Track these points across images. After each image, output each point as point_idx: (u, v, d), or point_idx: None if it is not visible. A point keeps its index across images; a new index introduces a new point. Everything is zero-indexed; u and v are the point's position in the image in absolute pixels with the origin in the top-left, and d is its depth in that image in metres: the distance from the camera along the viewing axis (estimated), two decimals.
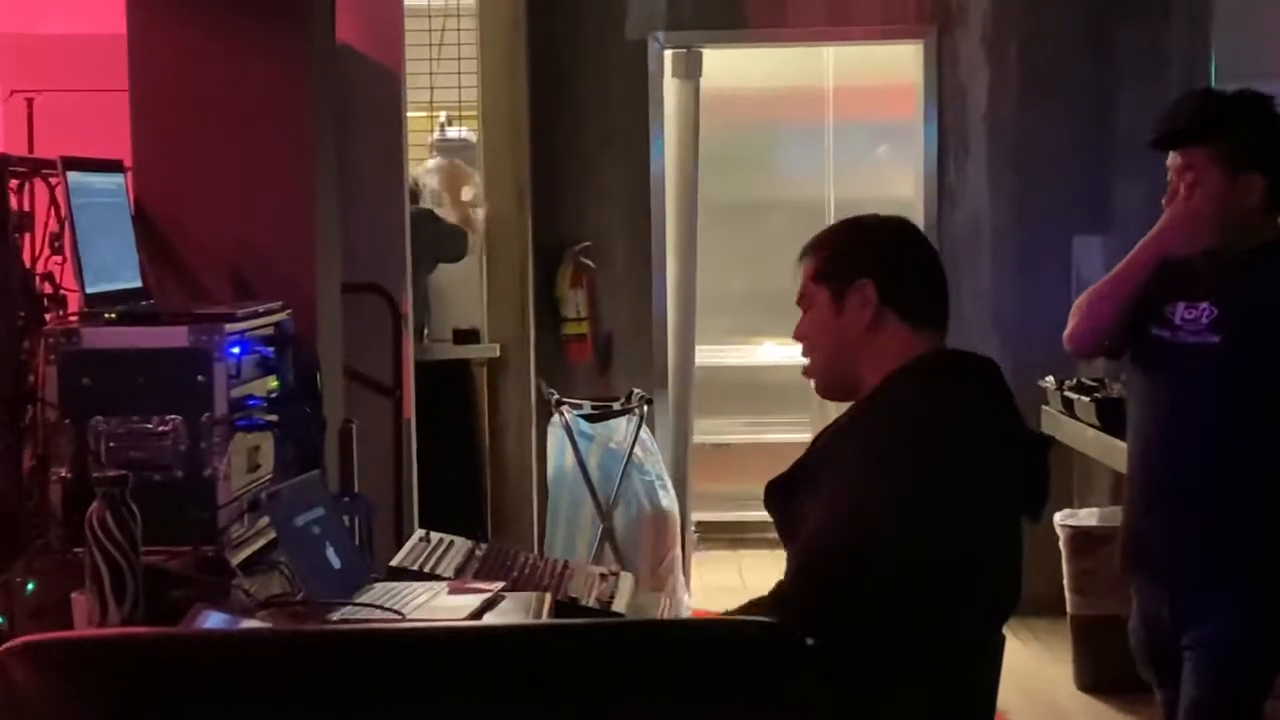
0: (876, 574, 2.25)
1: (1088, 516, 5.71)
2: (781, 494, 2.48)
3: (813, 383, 2.59)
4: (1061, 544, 5.67)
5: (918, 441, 2.33)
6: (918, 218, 6.69)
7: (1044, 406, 5.91)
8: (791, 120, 8.52)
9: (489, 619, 2.68)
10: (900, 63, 7.06)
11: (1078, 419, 5.48)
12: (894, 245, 2.56)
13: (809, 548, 2.31)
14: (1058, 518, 5.69)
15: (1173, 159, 3.40)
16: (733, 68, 7.78)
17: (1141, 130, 6.47)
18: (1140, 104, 6.53)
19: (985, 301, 6.66)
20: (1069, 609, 5.66)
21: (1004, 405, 2.47)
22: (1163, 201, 3.48)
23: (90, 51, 4.06)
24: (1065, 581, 5.66)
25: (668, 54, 6.77)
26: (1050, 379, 5.89)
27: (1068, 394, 5.63)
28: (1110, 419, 4.98)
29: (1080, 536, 5.62)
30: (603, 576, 3.11)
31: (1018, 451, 2.44)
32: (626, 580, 3.12)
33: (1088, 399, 5.42)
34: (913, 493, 2.28)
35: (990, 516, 2.38)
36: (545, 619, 2.64)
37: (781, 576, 2.38)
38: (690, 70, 6.81)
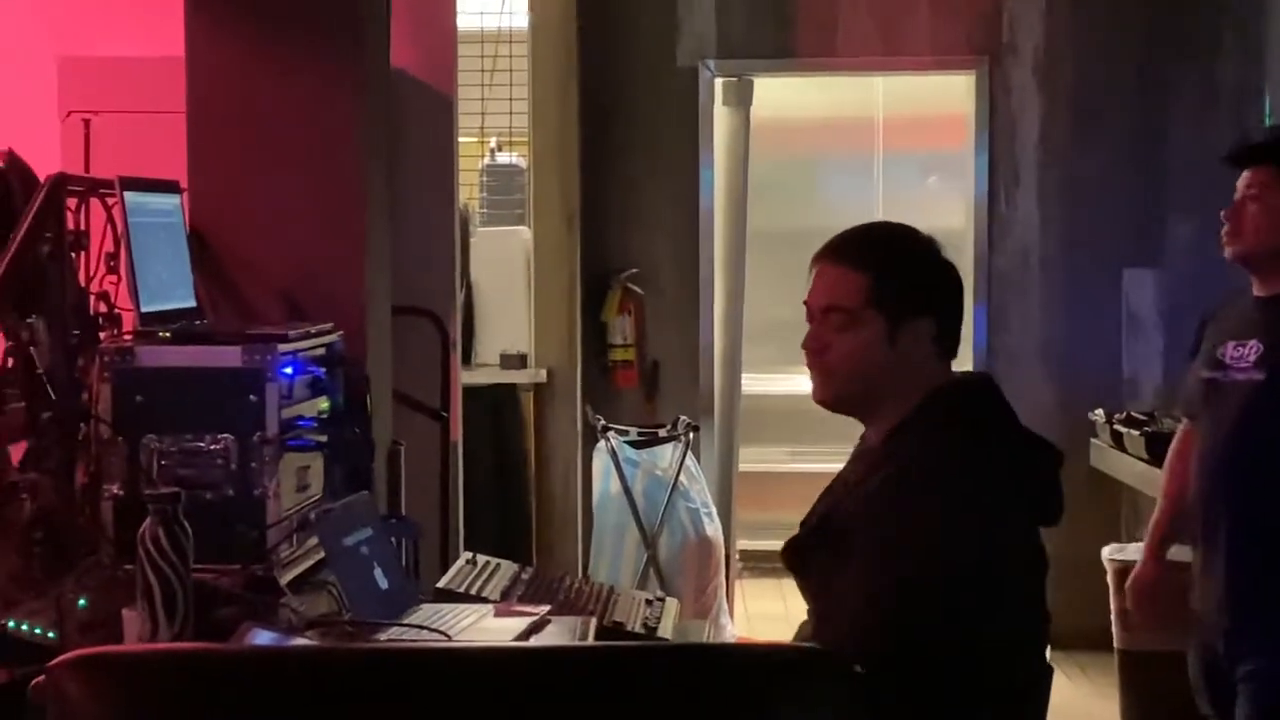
0: (940, 639, 2.20)
1: (1136, 551, 5.66)
2: (800, 554, 2.42)
3: (813, 386, 2.45)
4: (1109, 578, 5.63)
5: (964, 509, 2.25)
6: (967, 248, 6.69)
7: (1093, 439, 5.89)
8: (841, 150, 8.52)
9: (535, 642, 2.69)
10: (950, 93, 7.06)
11: (1127, 452, 5.45)
12: (954, 284, 2.43)
13: (861, 626, 2.19)
14: (1106, 552, 5.65)
15: (1242, 177, 3.44)
16: (782, 97, 7.80)
17: (1193, 164, 6.51)
18: (1191, 138, 6.52)
19: (1034, 333, 6.63)
20: (1116, 644, 5.61)
21: (1015, 426, 2.42)
22: (1222, 214, 3.50)
23: (147, 73, 4.10)
24: (1112, 616, 5.62)
25: (718, 82, 6.79)
26: (1099, 412, 5.87)
27: (1117, 427, 5.60)
28: (1160, 453, 4.94)
29: (1128, 572, 5.56)
30: (648, 602, 3.12)
31: (1035, 470, 2.40)
32: (671, 606, 3.13)
33: (1137, 433, 5.39)
34: (968, 567, 2.22)
35: (1031, 556, 2.37)
36: (591, 642, 2.64)
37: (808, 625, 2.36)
38: (741, 98, 6.83)
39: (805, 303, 2.43)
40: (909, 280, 2.37)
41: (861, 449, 2.49)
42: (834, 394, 2.41)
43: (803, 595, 2.44)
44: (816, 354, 2.40)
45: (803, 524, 2.47)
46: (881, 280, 2.35)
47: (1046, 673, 2.40)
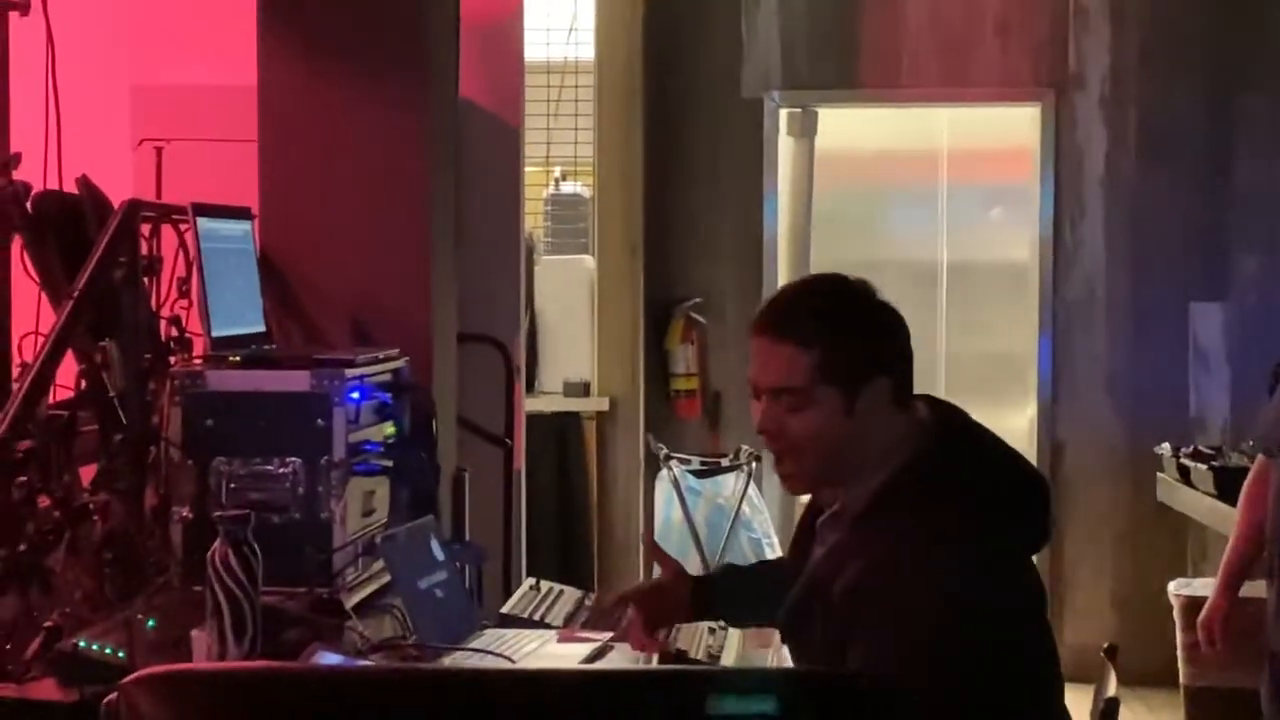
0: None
1: (1202, 587, 5.61)
2: (793, 620, 2.38)
3: (782, 481, 2.39)
4: (1175, 614, 5.58)
5: (975, 573, 2.20)
6: (1033, 281, 6.66)
7: (1159, 474, 5.85)
8: (905, 182, 8.50)
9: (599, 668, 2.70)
10: (1016, 125, 7.04)
11: (1194, 487, 5.40)
12: (899, 331, 2.36)
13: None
14: (1172, 587, 5.60)
15: None
16: (846, 128, 7.79)
17: (1260, 196, 6.46)
18: (1259, 170, 6.47)
19: (1100, 366, 6.59)
20: (1182, 680, 5.56)
21: (998, 463, 2.35)
22: None
23: (219, 102, 4.16)
24: (1179, 652, 5.57)
25: (783, 113, 6.80)
26: (1166, 446, 5.82)
27: (1184, 461, 5.55)
28: (1228, 488, 4.90)
29: (1194, 606, 5.51)
30: (710, 631, 3.12)
31: (1031, 509, 2.34)
32: (734, 635, 3.13)
33: (1205, 467, 5.34)
34: (988, 627, 2.18)
35: (1035, 592, 2.34)
36: (656, 666, 2.65)
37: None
38: (805, 129, 6.84)
39: (750, 379, 2.37)
40: (857, 346, 2.31)
41: (836, 514, 2.40)
42: (809, 476, 2.36)
43: (796, 657, 2.41)
44: (775, 437, 2.33)
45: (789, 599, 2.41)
46: (829, 353, 2.28)
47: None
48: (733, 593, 2.69)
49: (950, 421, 2.37)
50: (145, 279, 3.17)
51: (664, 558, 2.74)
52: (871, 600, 2.19)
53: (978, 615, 2.17)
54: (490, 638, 2.93)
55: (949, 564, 2.19)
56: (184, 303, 3.25)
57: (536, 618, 3.15)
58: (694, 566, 6.15)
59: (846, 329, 2.31)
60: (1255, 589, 3.85)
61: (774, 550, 6.31)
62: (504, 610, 3.21)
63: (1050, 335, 6.63)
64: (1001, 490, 2.31)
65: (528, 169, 5.14)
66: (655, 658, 2.74)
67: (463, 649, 2.83)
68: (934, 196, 8.48)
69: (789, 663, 2.42)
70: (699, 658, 2.93)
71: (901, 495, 2.27)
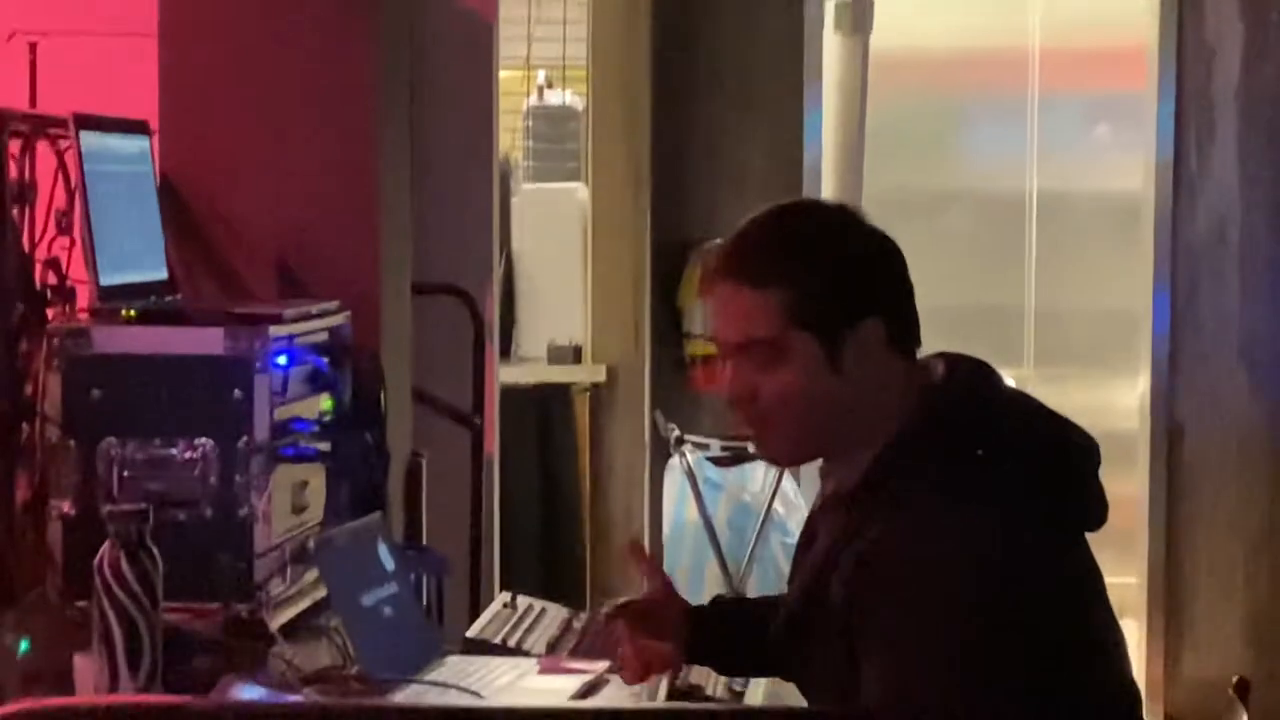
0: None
1: None
2: (786, 649, 2.44)
3: (759, 449, 2.44)
4: None
5: (1003, 536, 2.24)
6: (1146, 219, 6.65)
7: None
8: (984, 90, 8.48)
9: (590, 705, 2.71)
10: (1127, 17, 7.02)
11: None
12: (893, 261, 2.38)
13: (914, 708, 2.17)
14: None
15: None
16: (911, 22, 7.78)
17: None
18: None
19: (1231, 326, 6.58)
20: None
21: (1030, 422, 2.39)
22: None
23: None
24: None
25: (829, 3, 6.78)
26: None
27: None
28: None
29: None
30: None
31: (1068, 473, 2.37)
32: None
33: None
34: (1019, 607, 2.22)
35: (1086, 569, 2.37)
36: (664, 705, 2.66)
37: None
38: (857, 24, 6.82)
39: (713, 337, 2.40)
40: (837, 281, 2.33)
41: (829, 499, 2.45)
42: (786, 448, 2.40)
43: (798, 682, 2.45)
44: (744, 402, 2.36)
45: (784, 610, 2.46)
46: (800, 292, 2.31)
47: (1136, 699, 2.40)
48: (737, 631, 2.69)
49: (973, 375, 2.39)
50: (16, 210, 3.16)
51: (650, 567, 2.76)
52: (877, 581, 2.21)
53: (1011, 581, 2.20)
54: (454, 668, 2.94)
55: (970, 525, 2.22)
56: (64, 241, 3.24)
57: (512, 643, 3.16)
58: (713, 579, 6.17)
59: (821, 261, 2.34)
60: None
61: None
62: (471, 633, 3.21)
63: (1168, 289, 6.62)
64: (1037, 451, 2.33)
65: (503, 73, 5.14)
66: (661, 691, 2.76)
67: (419, 682, 2.83)
68: (1021, 109, 8.46)
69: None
70: (717, 695, 2.94)
71: (909, 460, 2.30)
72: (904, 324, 2.38)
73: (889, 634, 2.19)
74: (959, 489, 2.26)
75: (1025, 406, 2.40)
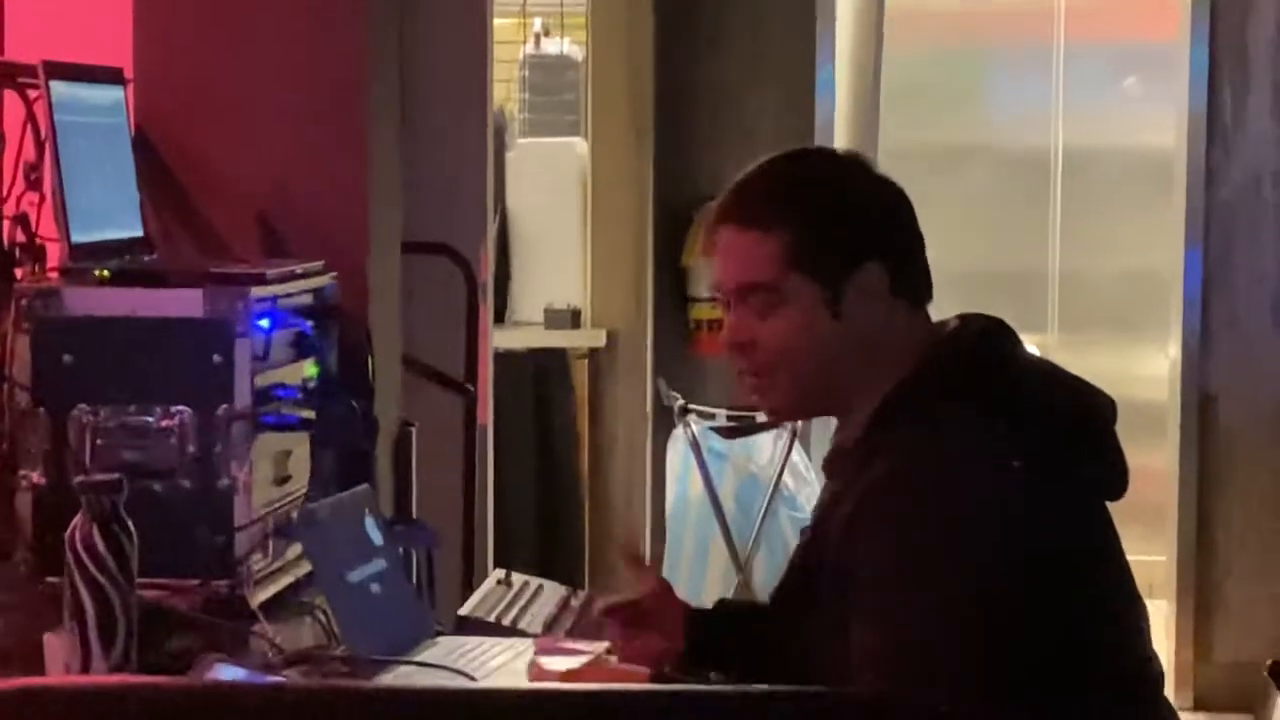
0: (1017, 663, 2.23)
1: None
2: (791, 601, 2.47)
3: (759, 401, 2.49)
4: None
5: (994, 495, 2.27)
6: (1178, 175, 6.64)
7: None
8: (1006, 40, 8.47)
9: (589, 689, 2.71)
10: None
11: None
12: (897, 205, 2.46)
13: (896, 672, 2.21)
14: None
15: None
16: None
17: None
18: None
19: (1266, 288, 6.57)
20: None
21: (1046, 379, 2.44)
22: None
23: None
24: None
25: None
26: None
27: None
28: None
29: None
30: None
31: (1084, 433, 2.40)
32: None
33: None
34: (1017, 566, 2.25)
35: (1104, 539, 2.40)
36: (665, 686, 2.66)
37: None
38: None
39: (715, 286, 2.48)
40: (834, 222, 2.41)
41: (833, 454, 2.50)
42: (786, 399, 2.46)
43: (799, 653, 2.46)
44: (744, 350, 2.43)
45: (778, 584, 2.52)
46: (799, 234, 2.38)
47: (1157, 676, 2.43)
48: (743, 634, 2.69)
49: (986, 330, 2.43)
50: None
51: (642, 570, 2.77)
52: (872, 522, 2.26)
53: (1013, 533, 2.23)
54: (445, 648, 2.95)
55: (975, 473, 2.25)
56: (33, 197, 3.24)
57: (507, 622, 3.17)
58: (718, 557, 6.18)
59: (820, 202, 2.42)
60: None
61: None
62: (463, 612, 3.22)
63: (1200, 249, 6.61)
64: (1048, 406, 2.36)
65: (498, 21, 5.12)
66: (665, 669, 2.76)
67: (408, 662, 2.84)
68: (1046, 60, 8.45)
69: None
70: (723, 676, 2.94)
71: (914, 406, 2.34)
72: (910, 273, 2.43)
73: (881, 577, 2.23)
74: (963, 437, 2.29)
75: (1039, 365, 2.46)
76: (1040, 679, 2.22)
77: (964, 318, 2.45)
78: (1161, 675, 2.42)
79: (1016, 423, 2.32)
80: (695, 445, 6.25)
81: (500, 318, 6.12)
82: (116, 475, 2.51)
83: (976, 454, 2.29)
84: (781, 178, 2.47)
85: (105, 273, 3.03)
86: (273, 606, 2.97)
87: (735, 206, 2.44)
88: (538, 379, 6.17)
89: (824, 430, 6.65)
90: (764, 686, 2.04)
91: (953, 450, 2.29)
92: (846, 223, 2.41)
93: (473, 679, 2.76)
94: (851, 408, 2.43)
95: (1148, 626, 2.44)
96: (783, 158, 2.51)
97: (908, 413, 2.35)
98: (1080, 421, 2.39)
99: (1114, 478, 2.42)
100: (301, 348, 3.18)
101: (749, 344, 2.42)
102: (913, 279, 2.44)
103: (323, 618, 2.99)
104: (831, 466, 2.50)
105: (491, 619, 3.17)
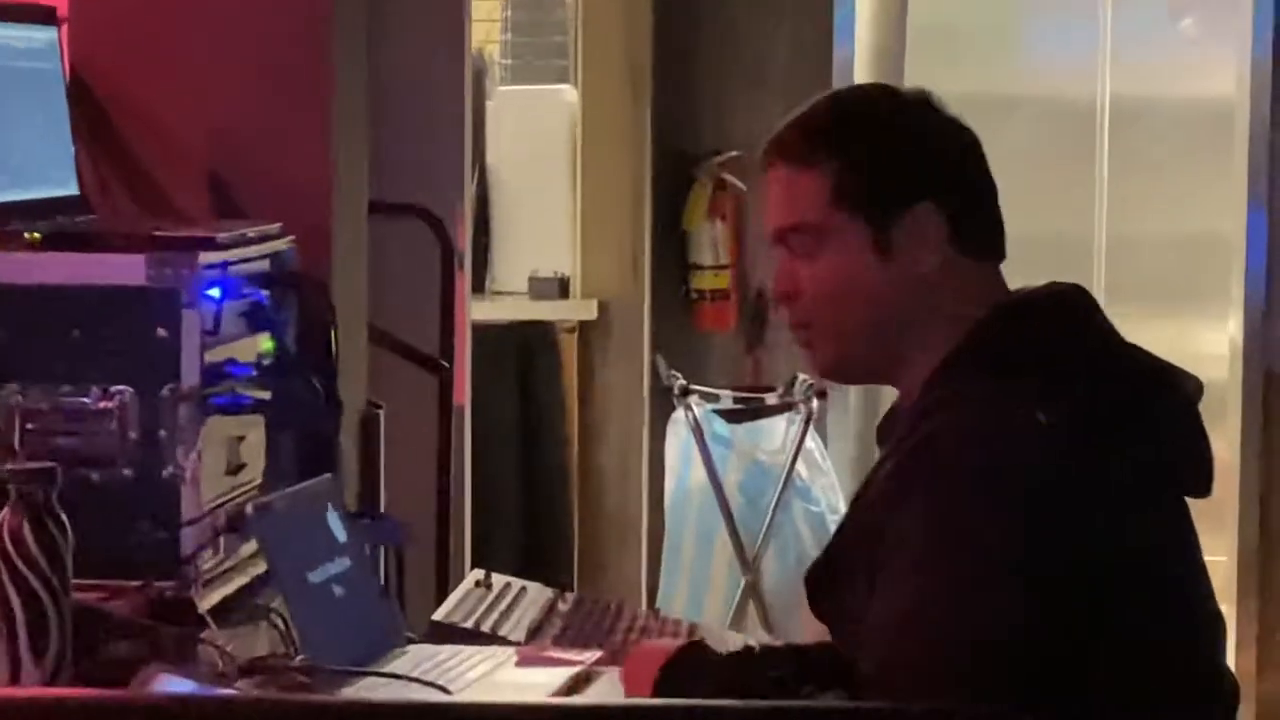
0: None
1: None
2: (822, 584, 2.49)
3: (806, 356, 2.52)
4: None
5: (1059, 465, 2.29)
6: (1240, 129, 6.64)
7: None
8: None
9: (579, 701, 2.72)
10: None
11: None
12: (972, 153, 2.50)
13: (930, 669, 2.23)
14: None
15: None
16: None
17: None
18: None
19: None
20: None
21: (1127, 355, 2.45)
22: None
23: None
24: None
25: None
26: None
27: None
28: None
29: None
30: (702, 643, 3.14)
31: (1162, 416, 2.42)
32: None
33: None
34: (1077, 545, 2.27)
35: (1176, 535, 2.41)
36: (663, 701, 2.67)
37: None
38: None
39: (765, 231, 2.52)
40: (885, 156, 2.44)
41: (888, 417, 2.55)
42: (831, 354, 2.48)
43: (833, 638, 2.51)
44: (789, 301, 2.48)
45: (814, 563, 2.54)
46: (845, 168, 2.42)
47: (1230, 692, 2.44)
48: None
49: (1063, 295, 2.45)
50: None
51: None
52: (903, 488, 2.29)
53: (1063, 510, 2.25)
54: (416, 658, 2.94)
55: (1026, 442, 2.27)
56: None
57: (486, 628, 3.16)
58: (723, 552, 6.18)
59: (872, 136, 2.46)
60: None
61: None
62: (437, 617, 3.22)
63: (1264, 211, 6.61)
64: (1124, 383, 2.39)
65: None
66: None
67: (375, 673, 2.83)
68: (1092, 1, 8.45)
69: None
70: None
71: (970, 368, 2.37)
72: (974, 224, 2.46)
73: (907, 543, 2.25)
74: (1021, 407, 2.30)
75: (1117, 338, 2.45)
76: (1073, 676, 2.24)
77: (1043, 286, 2.48)
78: (1236, 692, 2.43)
79: (1081, 398, 2.33)
80: (697, 430, 6.25)
81: (479, 287, 6.12)
82: (49, 463, 2.51)
83: (1032, 425, 2.29)
84: (831, 112, 2.52)
85: (35, 235, 3.02)
86: (224, 611, 2.96)
87: (781, 143, 2.48)
88: (521, 355, 6.18)
89: (841, 415, 6.66)
90: (768, 703, 2.06)
91: (1007, 418, 2.30)
92: (899, 157, 2.45)
93: (448, 692, 2.76)
94: (904, 370, 2.45)
95: (1222, 638, 2.46)
96: (837, 92, 2.61)
97: (965, 375, 2.37)
98: (1153, 402, 2.40)
99: (1188, 466, 2.43)
100: (256, 320, 3.17)
101: (793, 293, 2.46)
102: (978, 230, 2.46)
103: (280, 623, 2.98)
104: (883, 432, 2.54)
105: (469, 625, 3.17)
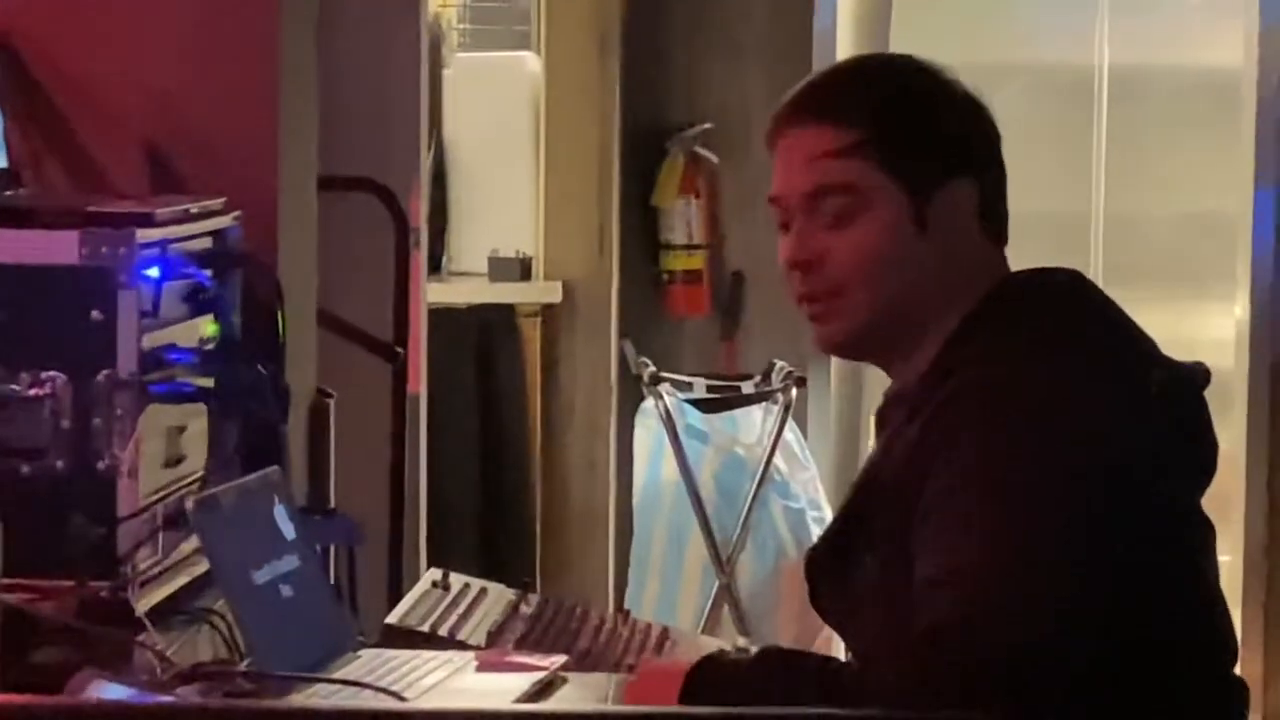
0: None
1: None
2: (823, 569, 2.55)
3: (818, 329, 2.53)
4: None
5: (1078, 427, 2.32)
6: (1246, 100, 6.65)
7: None
8: None
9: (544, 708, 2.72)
10: None
11: None
12: (991, 127, 2.54)
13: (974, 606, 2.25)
14: None
15: None
16: None
17: None
18: None
19: None
20: None
21: (1134, 338, 2.50)
22: None
23: None
24: None
25: None
26: None
27: None
28: None
29: None
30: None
31: (1173, 398, 2.46)
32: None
33: None
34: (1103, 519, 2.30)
35: (1189, 517, 2.54)
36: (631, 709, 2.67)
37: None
38: None
39: (773, 199, 2.51)
40: (936, 124, 2.47)
41: (889, 401, 2.57)
42: (853, 324, 2.49)
43: (825, 615, 2.61)
44: (810, 269, 2.47)
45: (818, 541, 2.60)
46: (889, 128, 2.44)
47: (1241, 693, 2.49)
48: None
49: (1072, 275, 2.51)
50: None
51: None
52: (946, 437, 2.31)
53: (1116, 453, 2.31)
54: (370, 663, 2.94)
55: (1071, 381, 2.33)
56: None
57: (444, 632, 3.17)
58: (696, 554, 6.19)
59: (916, 99, 2.48)
60: None
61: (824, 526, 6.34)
62: (392, 620, 3.22)
63: (1273, 188, 6.63)
64: (1146, 353, 2.45)
65: None
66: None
67: (326, 680, 2.83)
68: None
69: None
70: None
71: (995, 321, 2.43)
72: (996, 204, 2.51)
73: (964, 486, 2.27)
74: (1058, 352, 2.38)
75: (1126, 316, 2.50)
76: (1124, 634, 2.29)
77: (1044, 269, 2.53)
78: (1246, 698, 2.46)
79: (1114, 356, 2.41)
80: (669, 421, 6.25)
81: (436, 268, 6.12)
82: None
83: (1067, 370, 2.35)
84: (867, 71, 2.58)
85: None
86: (163, 613, 2.96)
87: (812, 99, 2.49)
88: (480, 340, 6.18)
89: (819, 406, 6.67)
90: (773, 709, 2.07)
91: (1042, 362, 2.36)
92: (944, 127, 2.48)
93: (402, 699, 2.76)
94: (917, 344, 2.48)
95: (1234, 640, 2.51)
96: (864, 56, 2.60)
97: (985, 336, 2.42)
98: (1170, 376, 2.45)
99: (1204, 452, 2.52)
100: (198, 302, 3.18)
101: (816, 261, 2.46)
102: (998, 211, 2.51)
103: (223, 626, 2.99)
104: (884, 417, 2.55)
105: (425, 628, 3.17)
